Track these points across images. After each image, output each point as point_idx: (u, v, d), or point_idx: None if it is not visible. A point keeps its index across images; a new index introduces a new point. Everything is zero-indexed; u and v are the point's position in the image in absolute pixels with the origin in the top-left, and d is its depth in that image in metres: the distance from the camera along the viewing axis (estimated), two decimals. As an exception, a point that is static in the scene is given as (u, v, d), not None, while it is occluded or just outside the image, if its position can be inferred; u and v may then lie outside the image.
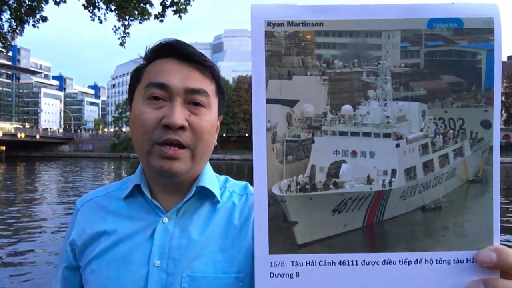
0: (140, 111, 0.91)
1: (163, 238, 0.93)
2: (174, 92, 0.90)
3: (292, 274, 0.61)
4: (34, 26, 8.95)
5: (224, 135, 72.80)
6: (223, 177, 1.09)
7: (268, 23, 0.60)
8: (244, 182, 1.08)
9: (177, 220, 0.96)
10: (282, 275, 0.61)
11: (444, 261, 0.61)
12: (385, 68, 0.60)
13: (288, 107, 0.61)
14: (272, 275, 0.61)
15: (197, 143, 0.91)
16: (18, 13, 8.62)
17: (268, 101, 0.60)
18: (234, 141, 73.74)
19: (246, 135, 74.17)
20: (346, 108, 0.61)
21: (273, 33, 0.60)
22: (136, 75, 0.98)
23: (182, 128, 0.88)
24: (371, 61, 0.60)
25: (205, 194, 0.99)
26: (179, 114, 0.88)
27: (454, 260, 0.61)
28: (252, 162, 0.61)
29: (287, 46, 0.60)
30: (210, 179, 1.01)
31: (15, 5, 8.63)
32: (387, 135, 0.61)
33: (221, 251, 0.93)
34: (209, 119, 0.94)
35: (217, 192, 0.99)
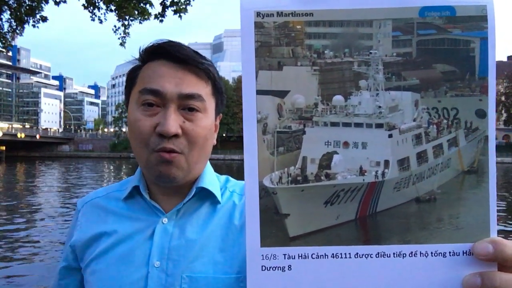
0: (135, 118, 0.91)
1: (162, 238, 0.93)
2: (167, 99, 0.89)
3: (284, 267, 0.60)
4: (34, 26, 8.97)
5: (224, 135, 72.69)
6: (223, 177, 1.08)
7: (258, 14, 0.59)
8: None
9: (176, 220, 0.95)
10: (274, 268, 0.60)
11: (440, 254, 0.60)
12: (377, 57, 0.59)
13: (278, 98, 0.60)
14: (263, 268, 0.60)
15: (190, 149, 0.91)
16: (18, 13, 8.63)
17: (259, 92, 0.59)
18: (234, 141, 73.60)
19: (246, 135, 73.87)
20: (338, 99, 0.60)
21: (262, 24, 0.59)
22: (131, 77, 0.97)
23: (176, 135, 0.88)
24: (363, 50, 0.59)
25: (205, 195, 0.98)
26: (173, 122, 0.87)
27: (449, 252, 0.60)
28: (244, 158, 0.60)
29: (277, 36, 0.59)
30: (211, 179, 1.00)
31: (15, 5, 8.64)
32: (379, 126, 0.60)
33: (221, 251, 0.93)
34: (205, 124, 0.93)
35: (217, 193, 0.99)
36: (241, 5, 0.59)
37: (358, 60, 0.59)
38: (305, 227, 0.61)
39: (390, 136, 0.60)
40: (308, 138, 0.61)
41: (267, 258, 0.60)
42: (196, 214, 0.97)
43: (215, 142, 1.01)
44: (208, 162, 1.03)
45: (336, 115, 0.60)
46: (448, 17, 0.59)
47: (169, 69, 0.90)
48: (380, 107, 0.60)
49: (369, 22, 0.59)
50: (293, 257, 0.60)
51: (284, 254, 0.60)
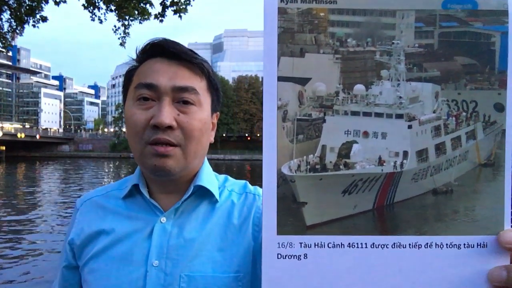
0: (131, 113, 0.91)
1: (161, 237, 0.93)
2: (162, 92, 0.89)
3: (300, 255, 0.60)
4: (34, 26, 8.94)
5: (224, 135, 72.72)
6: (222, 176, 1.08)
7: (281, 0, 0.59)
8: (243, 181, 1.07)
9: (175, 219, 0.95)
10: (290, 257, 0.60)
11: (455, 246, 0.60)
12: (399, 48, 0.59)
13: (300, 85, 0.60)
14: (279, 256, 0.60)
15: (187, 142, 0.91)
16: (18, 13, 8.61)
17: (280, 78, 0.59)
18: (234, 141, 73.64)
19: (246, 135, 74.19)
20: (359, 88, 0.60)
21: (286, 10, 0.59)
22: (128, 77, 0.98)
23: (171, 127, 0.88)
24: (385, 40, 0.59)
25: (203, 193, 0.98)
26: (167, 113, 0.87)
27: (464, 244, 0.60)
28: (262, 145, 0.60)
29: (300, 23, 0.59)
30: (209, 178, 1.00)
31: (15, 5, 8.62)
32: (399, 116, 0.60)
33: (219, 250, 0.93)
34: (200, 117, 0.92)
35: (215, 191, 0.99)
36: None
37: (380, 49, 0.60)
38: (322, 216, 0.61)
39: (410, 127, 0.60)
40: (328, 126, 0.61)
41: (283, 246, 0.60)
42: (194, 213, 0.97)
43: (212, 140, 1.01)
44: (206, 161, 1.03)
45: (357, 104, 0.60)
46: (470, 10, 0.59)
47: (163, 65, 0.91)
48: (400, 97, 0.60)
49: (393, 12, 0.59)
50: (309, 245, 0.60)
51: (301, 243, 0.60)
